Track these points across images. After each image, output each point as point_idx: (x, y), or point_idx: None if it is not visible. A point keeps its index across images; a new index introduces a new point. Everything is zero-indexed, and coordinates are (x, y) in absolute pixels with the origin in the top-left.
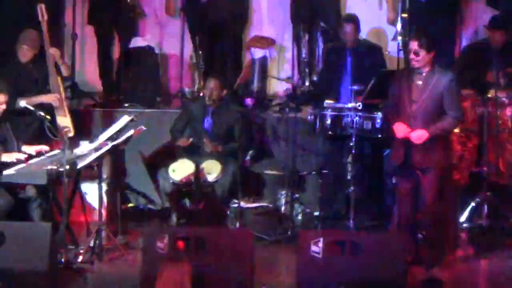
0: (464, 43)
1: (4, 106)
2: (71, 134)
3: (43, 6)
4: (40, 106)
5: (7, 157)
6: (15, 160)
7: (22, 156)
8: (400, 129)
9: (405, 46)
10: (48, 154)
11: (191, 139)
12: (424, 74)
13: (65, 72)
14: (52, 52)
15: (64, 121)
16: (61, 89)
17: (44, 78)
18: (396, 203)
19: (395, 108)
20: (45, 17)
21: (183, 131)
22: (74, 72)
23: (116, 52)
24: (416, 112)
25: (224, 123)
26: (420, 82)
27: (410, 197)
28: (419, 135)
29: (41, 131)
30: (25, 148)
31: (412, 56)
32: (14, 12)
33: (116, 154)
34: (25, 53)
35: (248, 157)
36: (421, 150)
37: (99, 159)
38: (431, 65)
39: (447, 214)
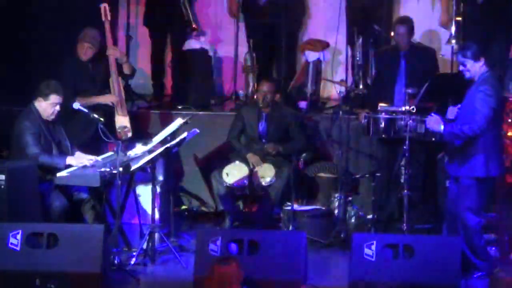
0: None
1: (58, 108)
2: (130, 134)
3: (106, 6)
4: (97, 107)
5: (72, 161)
6: (79, 165)
7: (87, 162)
8: (430, 120)
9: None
10: (101, 156)
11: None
12: (474, 81)
13: (127, 70)
14: (112, 51)
15: (124, 121)
16: (121, 88)
17: (102, 77)
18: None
19: None
20: (109, 17)
21: (240, 137)
22: (135, 70)
23: (169, 54)
24: (456, 118)
25: (278, 127)
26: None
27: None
28: (431, 121)
29: (98, 134)
30: (78, 154)
31: (461, 68)
32: (75, 11)
33: (170, 157)
34: (86, 51)
35: (301, 160)
36: (455, 157)
37: (153, 161)
38: (481, 73)
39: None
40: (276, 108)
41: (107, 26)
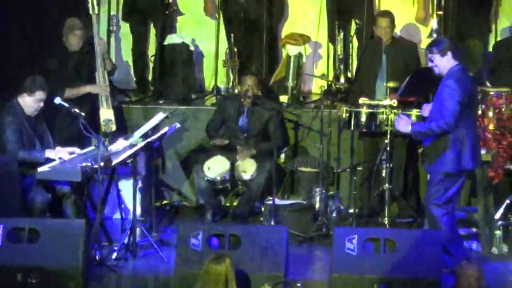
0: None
1: (42, 104)
2: (114, 127)
3: None
4: (82, 100)
5: (51, 154)
6: (57, 159)
7: (65, 157)
8: (399, 122)
9: None
10: (83, 151)
11: (227, 141)
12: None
13: (108, 66)
14: (101, 45)
15: (108, 114)
16: (107, 82)
17: (87, 70)
18: None
19: None
20: (96, 10)
21: (219, 130)
22: (116, 67)
23: (150, 48)
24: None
25: (259, 121)
26: None
27: None
28: (400, 123)
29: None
30: (58, 149)
31: (430, 64)
32: (55, 4)
33: (151, 151)
34: (77, 40)
35: (283, 155)
36: (428, 153)
37: (134, 156)
38: (449, 68)
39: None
40: (257, 102)
41: (94, 19)
